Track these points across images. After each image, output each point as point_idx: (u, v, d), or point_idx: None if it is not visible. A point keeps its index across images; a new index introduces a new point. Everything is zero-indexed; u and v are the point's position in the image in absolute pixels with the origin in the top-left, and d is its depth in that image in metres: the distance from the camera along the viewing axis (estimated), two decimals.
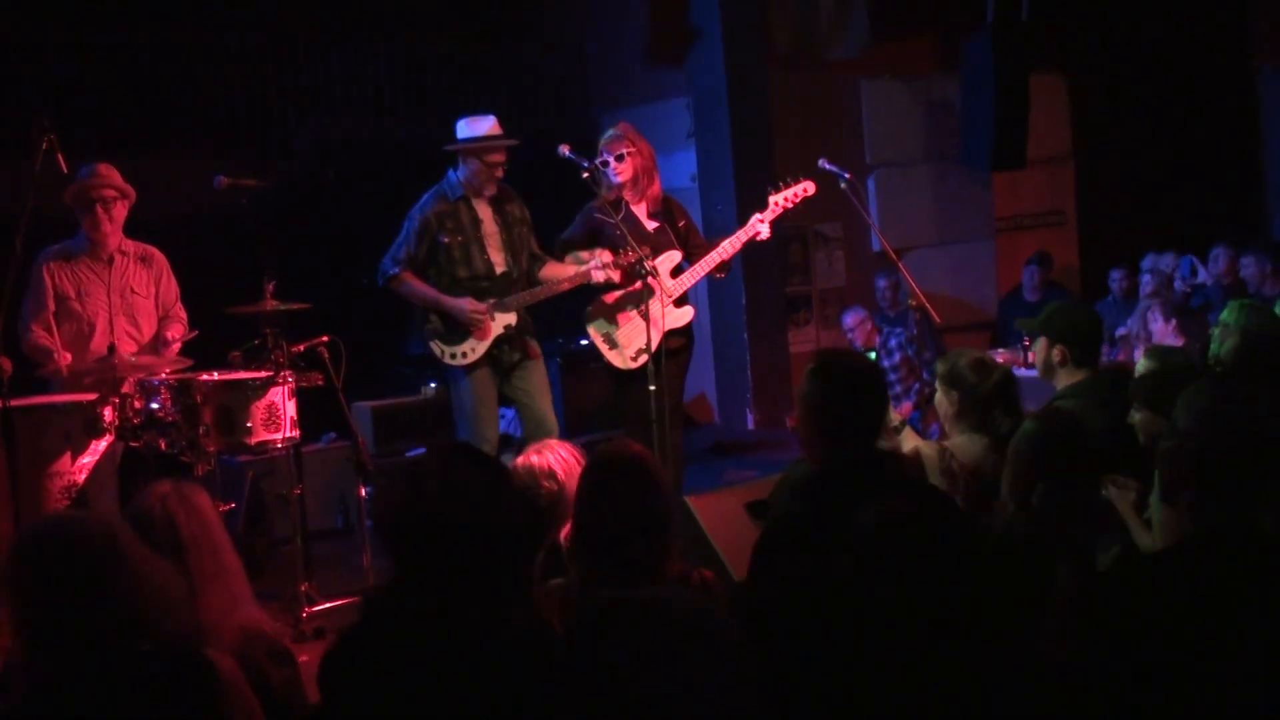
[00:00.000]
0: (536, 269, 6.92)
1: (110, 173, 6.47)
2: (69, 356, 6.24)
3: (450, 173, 6.83)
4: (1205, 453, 3.13)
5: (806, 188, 6.96)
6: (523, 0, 11.23)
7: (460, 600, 2.70)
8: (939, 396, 5.01)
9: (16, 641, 2.87)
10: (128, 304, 6.55)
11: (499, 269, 6.79)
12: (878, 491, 3.57)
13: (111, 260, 6.54)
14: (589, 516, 3.42)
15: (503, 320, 6.74)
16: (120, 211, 6.52)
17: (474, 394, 6.72)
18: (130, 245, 6.62)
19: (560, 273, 6.83)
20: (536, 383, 6.87)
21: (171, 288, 6.72)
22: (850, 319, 10.28)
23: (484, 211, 6.81)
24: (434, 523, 2.72)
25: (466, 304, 6.66)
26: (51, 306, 6.41)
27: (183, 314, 6.73)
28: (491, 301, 6.71)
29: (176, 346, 6.53)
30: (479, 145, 6.72)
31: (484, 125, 6.75)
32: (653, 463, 3.51)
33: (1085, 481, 3.80)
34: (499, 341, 6.75)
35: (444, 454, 2.92)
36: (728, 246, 6.86)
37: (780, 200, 6.94)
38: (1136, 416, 4.56)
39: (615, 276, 6.75)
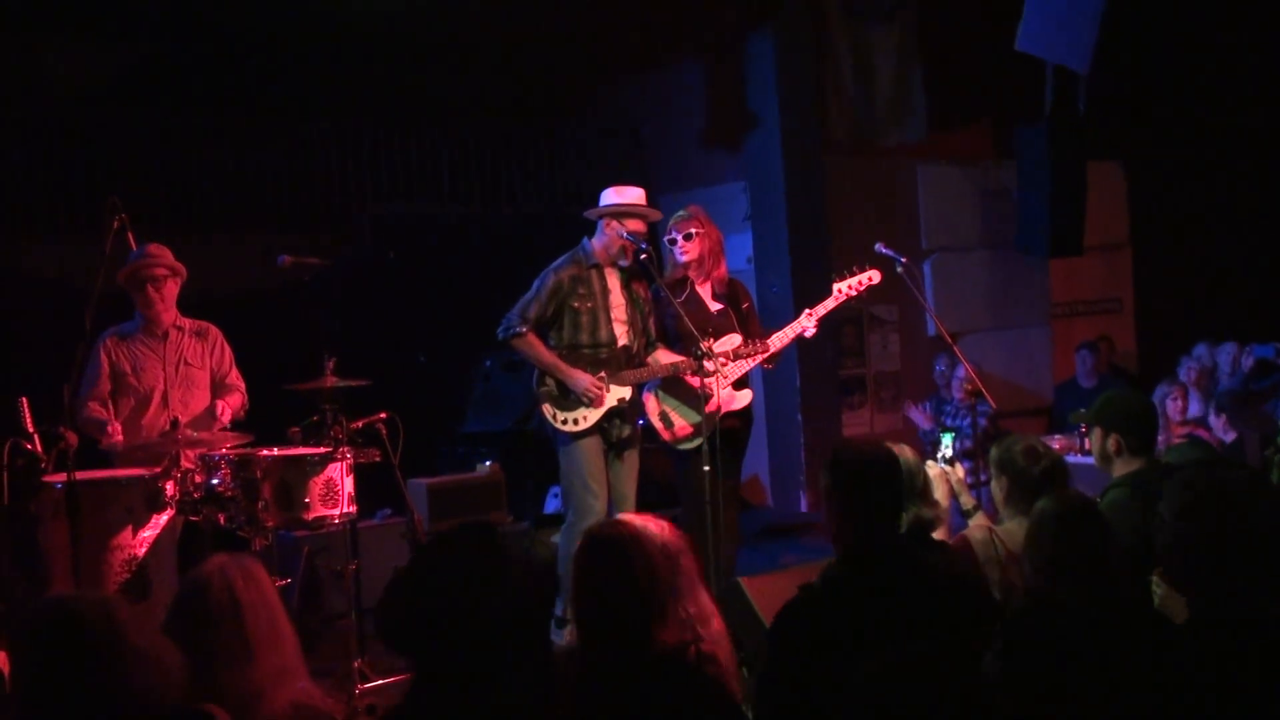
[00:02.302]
0: (649, 352, 6.94)
1: (162, 252, 6.59)
2: (119, 426, 6.35)
3: (585, 240, 6.85)
4: (1187, 544, 3.18)
5: (872, 276, 6.95)
6: (580, 84, 11.39)
7: (479, 690, 2.83)
8: (992, 481, 5.01)
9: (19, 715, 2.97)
10: (183, 376, 6.64)
11: (620, 341, 6.79)
12: (897, 582, 3.63)
13: (166, 335, 6.64)
14: (580, 590, 3.58)
15: (617, 393, 6.71)
16: (172, 289, 6.63)
17: (583, 463, 6.68)
18: (186, 322, 6.72)
19: (670, 358, 6.85)
20: (630, 465, 6.85)
21: (226, 356, 6.80)
22: (917, 416, 10.33)
23: (613, 282, 6.82)
24: (439, 618, 2.87)
25: (585, 379, 6.63)
26: (108, 386, 6.51)
27: (240, 382, 6.79)
28: (604, 374, 6.71)
29: (226, 419, 6.59)
30: (621, 210, 6.74)
31: (631, 194, 6.79)
32: (637, 544, 3.55)
33: (1111, 565, 3.77)
34: (610, 415, 6.73)
35: (441, 546, 3.07)
36: (775, 341, 6.88)
37: (845, 288, 6.94)
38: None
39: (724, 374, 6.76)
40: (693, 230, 6.97)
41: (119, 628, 2.92)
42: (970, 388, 7.35)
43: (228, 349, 6.82)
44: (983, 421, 9.00)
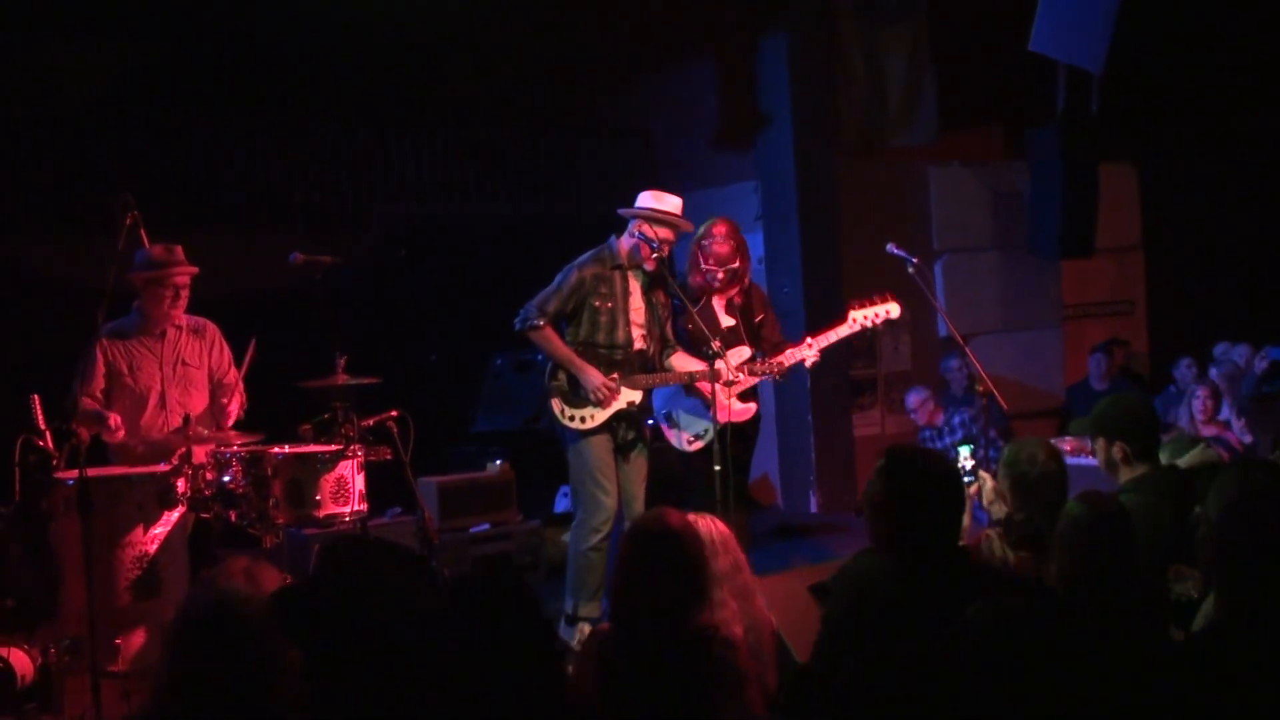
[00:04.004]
0: (666, 355, 6.92)
1: (183, 256, 6.55)
2: (118, 417, 6.33)
3: (612, 239, 6.83)
4: (1230, 541, 3.15)
5: (890, 310, 6.86)
6: (592, 84, 11.39)
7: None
8: (994, 483, 4.99)
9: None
10: (180, 376, 6.59)
11: (636, 345, 6.78)
12: (964, 589, 3.53)
13: (164, 334, 6.59)
14: (628, 577, 3.70)
15: (627, 396, 6.70)
16: (187, 294, 6.62)
17: (592, 460, 6.68)
18: (184, 319, 6.65)
19: (688, 365, 6.82)
20: (638, 467, 6.84)
21: (225, 355, 6.74)
22: (913, 399, 10.32)
23: (634, 285, 6.81)
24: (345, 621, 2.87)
25: (598, 378, 6.61)
26: (102, 383, 6.46)
27: (238, 383, 6.72)
28: (616, 376, 6.69)
29: (234, 413, 6.57)
30: (655, 215, 6.71)
31: (669, 202, 6.77)
32: (687, 535, 3.71)
33: (1138, 568, 3.76)
34: (619, 416, 6.72)
35: (343, 550, 3.01)
36: (775, 365, 6.83)
37: (861, 317, 6.85)
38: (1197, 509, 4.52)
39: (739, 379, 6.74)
40: (735, 268, 6.98)
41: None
42: (982, 389, 7.30)
43: (226, 348, 6.77)
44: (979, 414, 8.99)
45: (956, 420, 9.96)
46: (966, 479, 5.23)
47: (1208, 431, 8.61)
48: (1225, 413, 9.17)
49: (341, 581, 2.91)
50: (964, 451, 5.53)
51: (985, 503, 5.22)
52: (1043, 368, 11.89)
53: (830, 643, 3.92)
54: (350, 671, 2.83)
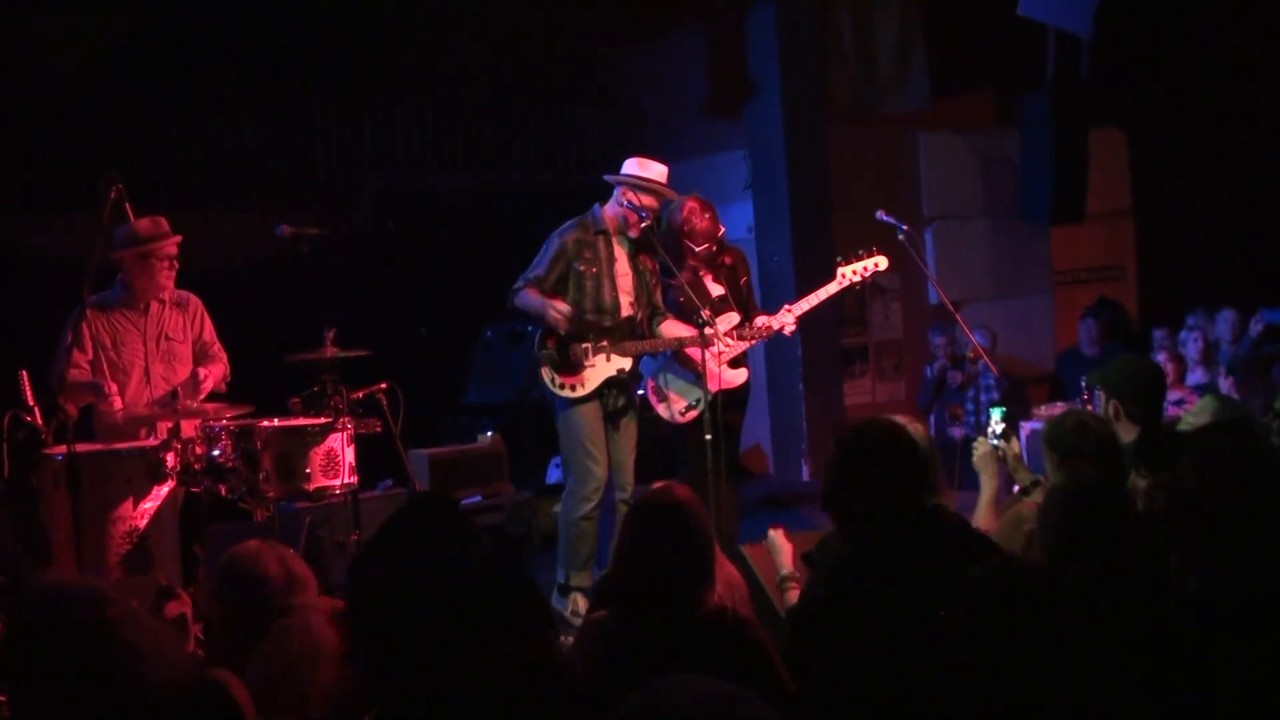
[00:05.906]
0: (656, 322, 6.90)
1: (169, 229, 6.50)
2: (114, 384, 6.28)
3: (596, 206, 6.82)
4: (1205, 509, 3.15)
5: (878, 262, 6.84)
6: (581, 53, 11.34)
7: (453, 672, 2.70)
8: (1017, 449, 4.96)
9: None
10: (164, 350, 6.53)
11: (624, 311, 6.76)
12: (924, 552, 3.51)
13: (148, 308, 6.52)
14: (633, 556, 3.54)
15: (617, 364, 6.69)
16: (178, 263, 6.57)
17: (581, 428, 6.67)
18: (166, 293, 6.60)
19: (678, 331, 6.80)
20: (628, 436, 6.83)
21: (206, 327, 6.68)
22: (938, 338, 10.24)
23: (620, 251, 6.79)
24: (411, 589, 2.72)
25: (558, 303, 6.58)
26: (90, 355, 6.39)
27: (222, 354, 6.69)
28: (606, 343, 6.69)
29: (209, 385, 6.52)
30: (639, 182, 6.69)
31: (654, 170, 6.75)
32: (694, 508, 3.57)
33: (1119, 543, 3.75)
34: (609, 383, 6.71)
35: (411, 513, 2.93)
36: (762, 329, 6.83)
37: (849, 273, 6.84)
38: (1140, 484, 4.49)
39: (729, 344, 6.71)
40: (721, 235, 6.96)
41: (110, 618, 2.80)
42: (973, 355, 7.29)
43: (208, 319, 6.70)
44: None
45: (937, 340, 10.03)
46: (994, 442, 5.10)
47: (1172, 396, 8.61)
48: (1193, 378, 9.19)
49: (399, 539, 2.81)
50: (995, 415, 5.35)
51: (1010, 470, 5.12)
52: (1033, 334, 11.89)
53: (802, 616, 3.89)
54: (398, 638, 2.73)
